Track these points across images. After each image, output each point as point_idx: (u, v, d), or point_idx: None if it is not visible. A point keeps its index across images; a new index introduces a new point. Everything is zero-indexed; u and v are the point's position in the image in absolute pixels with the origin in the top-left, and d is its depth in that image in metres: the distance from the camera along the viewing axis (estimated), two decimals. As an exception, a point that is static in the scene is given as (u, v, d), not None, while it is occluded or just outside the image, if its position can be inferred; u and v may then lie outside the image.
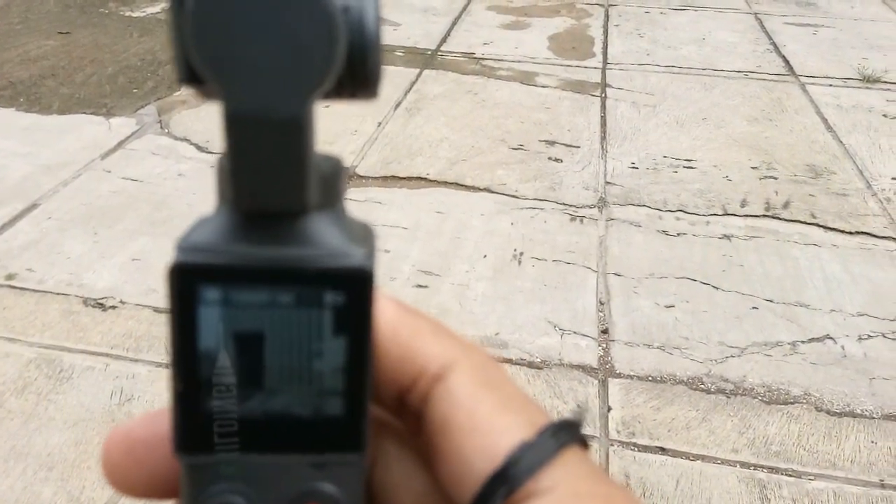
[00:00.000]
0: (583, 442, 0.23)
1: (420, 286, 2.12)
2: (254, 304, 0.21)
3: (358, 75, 0.20)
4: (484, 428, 0.22)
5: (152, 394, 1.73)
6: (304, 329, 0.21)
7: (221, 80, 0.19)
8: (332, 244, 0.21)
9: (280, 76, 0.19)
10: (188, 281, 0.21)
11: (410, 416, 0.24)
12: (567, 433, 0.23)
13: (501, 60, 3.83)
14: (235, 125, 0.19)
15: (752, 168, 2.84)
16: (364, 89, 0.21)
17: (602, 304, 2.08)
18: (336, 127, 3.04)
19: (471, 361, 0.23)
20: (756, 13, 4.78)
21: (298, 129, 0.19)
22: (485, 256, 2.27)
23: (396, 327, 0.23)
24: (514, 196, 2.60)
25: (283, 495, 0.22)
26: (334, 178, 0.22)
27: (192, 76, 0.20)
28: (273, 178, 0.20)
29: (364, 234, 0.22)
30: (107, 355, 1.84)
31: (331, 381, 0.22)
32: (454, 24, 4.39)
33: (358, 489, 0.23)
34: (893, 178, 2.79)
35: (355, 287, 0.21)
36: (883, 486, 1.57)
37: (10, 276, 2.11)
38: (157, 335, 1.91)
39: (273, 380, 0.22)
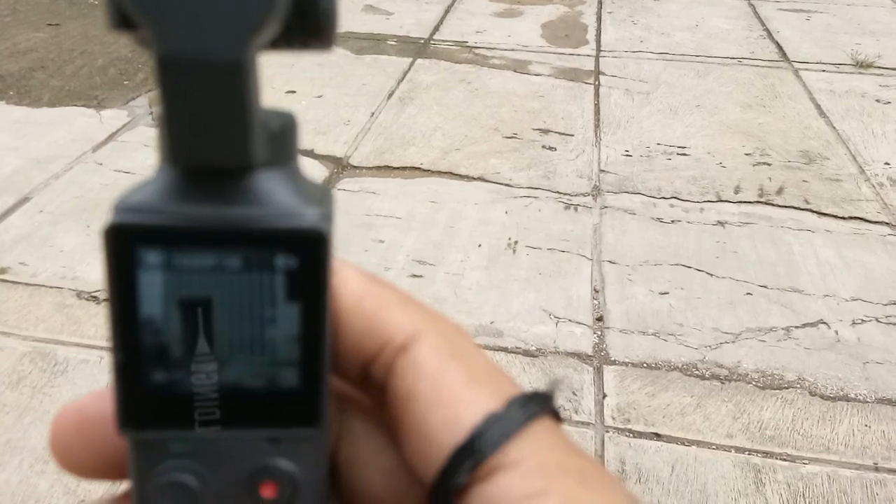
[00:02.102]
0: (555, 414, 0.23)
1: (415, 276, 2.12)
2: (199, 268, 0.19)
3: (308, 21, 0.19)
4: (449, 399, 0.21)
5: (147, 386, 1.73)
6: (254, 295, 0.20)
7: (153, 22, 0.17)
8: (284, 203, 0.20)
9: (218, 17, 0.17)
10: (126, 243, 0.19)
11: (375, 389, 0.23)
12: (537, 404, 0.22)
13: (494, 49, 3.81)
14: (169, 71, 0.17)
15: (746, 154, 2.84)
16: (316, 38, 0.19)
17: (597, 291, 2.09)
18: (329, 117, 3.02)
19: (437, 332, 0.22)
20: (749, -1, 4.77)
21: (239, 75, 0.18)
22: (479, 245, 2.26)
23: (361, 297, 0.22)
24: (508, 185, 2.59)
25: (236, 472, 0.21)
26: (286, 133, 0.20)
27: (122, 20, 0.18)
28: (213, 130, 0.18)
29: (321, 195, 0.21)
30: (101, 348, 1.84)
31: (285, 351, 0.20)
32: (447, 12, 4.36)
33: (318, 465, 0.22)
34: (886, 164, 2.80)
35: (309, 249, 0.20)
36: (877, 469, 1.58)
37: (2, 270, 2.10)
38: (151, 327, 1.90)
39: (222, 349, 0.20)
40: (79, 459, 0.22)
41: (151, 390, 0.20)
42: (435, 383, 0.21)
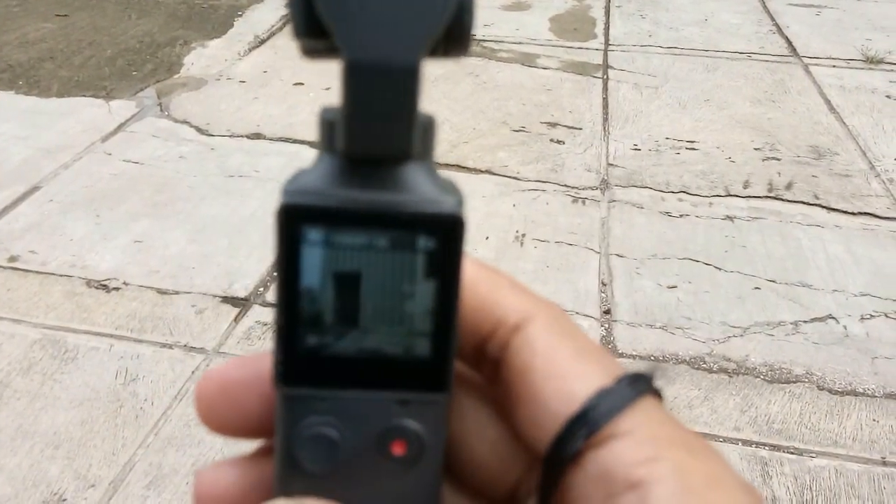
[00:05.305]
0: (657, 394, 0.24)
1: (423, 267, 2.12)
2: (353, 245, 0.22)
3: (454, 32, 0.22)
4: (562, 373, 0.23)
5: (157, 374, 1.74)
6: (397, 271, 0.22)
7: (345, 31, 0.20)
8: (428, 192, 0.22)
9: (399, 27, 0.20)
10: (293, 222, 0.22)
11: (488, 366, 0.25)
12: (643, 383, 0.23)
13: (502, 42, 3.81)
14: (356, 73, 0.20)
15: (755, 149, 2.83)
16: (457, 46, 0.22)
17: (604, 284, 2.09)
18: (337, 109, 3.02)
19: (546, 313, 0.24)
20: (759, -6, 4.74)
21: (412, 78, 0.21)
22: (487, 238, 2.27)
23: (476, 281, 0.24)
24: (515, 178, 2.59)
25: (370, 429, 0.24)
26: (429, 132, 0.23)
27: (311, 29, 0.21)
28: (385, 125, 0.21)
29: (453, 186, 0.23)
30: (111, 336, 1.85)
31: (420, 323, 0.23)
32: (455, 5, 4.35)
33: (441, 429, 0.24)
34: (896, 159, 2.79)
35: (448, 232, 0.22)
36: (885, 463, 1.58)
37: (12, 259, 2.11)
38: (160, 316, 1.91)
39: (367, 319, 0.23)
40: (220, 418, 0.25)
41: (305, 352, 0.23)
42: (548, 359, 0.23)
